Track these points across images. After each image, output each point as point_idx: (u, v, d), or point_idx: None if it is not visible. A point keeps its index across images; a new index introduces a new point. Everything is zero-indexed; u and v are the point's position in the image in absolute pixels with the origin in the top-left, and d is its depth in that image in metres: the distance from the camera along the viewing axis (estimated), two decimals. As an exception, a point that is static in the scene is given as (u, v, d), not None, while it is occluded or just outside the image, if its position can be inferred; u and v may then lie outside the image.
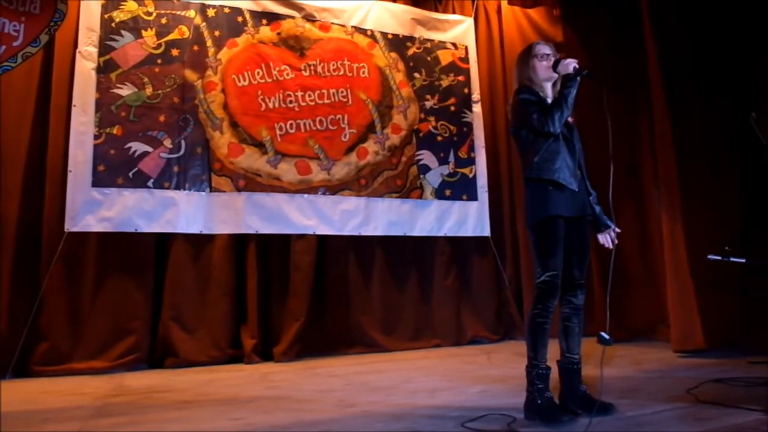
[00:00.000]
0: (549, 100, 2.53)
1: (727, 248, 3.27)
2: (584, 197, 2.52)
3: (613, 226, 2.58)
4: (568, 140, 2.49)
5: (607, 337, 2.43)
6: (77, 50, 4.22)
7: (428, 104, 5.35)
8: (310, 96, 4.87)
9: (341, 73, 5.03)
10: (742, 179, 4.15)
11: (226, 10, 4.74)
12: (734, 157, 4.17)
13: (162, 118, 4.39)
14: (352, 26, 5.18)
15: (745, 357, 3.59)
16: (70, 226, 4.04)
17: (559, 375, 2.49)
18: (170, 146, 4.38)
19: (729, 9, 4.21)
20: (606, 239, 2.60)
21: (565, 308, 2.50)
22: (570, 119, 2.52)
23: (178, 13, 4.57)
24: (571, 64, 2.43)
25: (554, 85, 2.56)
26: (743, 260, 3.34)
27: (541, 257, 2.41)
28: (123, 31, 4.38)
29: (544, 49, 2.56)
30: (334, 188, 4.84)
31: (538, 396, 2.34)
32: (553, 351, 2.44)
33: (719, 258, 3.29)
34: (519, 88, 2.55)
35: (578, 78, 2.42)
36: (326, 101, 4.93)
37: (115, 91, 4.29)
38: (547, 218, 2.40)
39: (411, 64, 5.35)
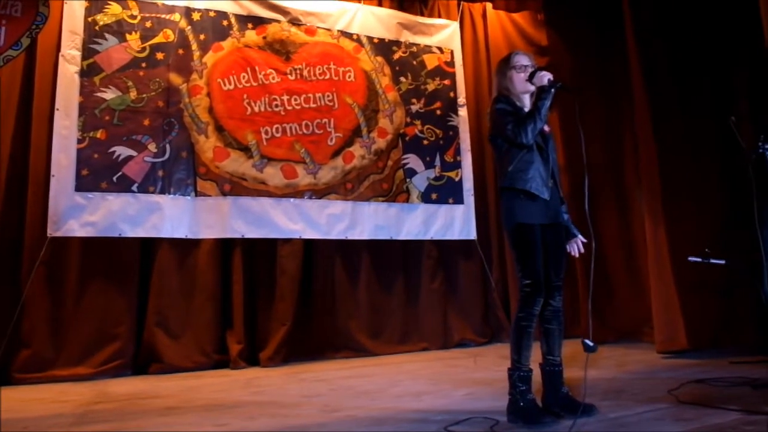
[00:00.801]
0: (526, 110, 2.56)
1: (707, 250, 3.31)
2: (557, 206, 2.56)
3: (579, 236, 2.65)
4: (543, 150, 2.54)
5: (591, 344, 2.44)
6: (60, 53, 4.18)
7: (414, 108, 5.37)
8: (296, 100, 4.87)
9: (327, 77, 5.04)
10: (723, 182, 4.21)
11: (212, 13, 4.72)
12: (715, 160, 4.22)
13: (146, 122, 4.37)
14: (338, 30, 5.18)
15: (727, 357, 3.64)
16: (52, 230, 4.00)
17: (542, 377, 2.52)
18: (155, 150, 4.36)
19: (709, 15, 4.27)
20: (573, 248, 2.65)
21: (544, 311, 2.52)
22: (546, 129, 2.57)
23: (163, 16, 4.55)
24: (545, 77, 2.47)
25: (532, 95, 2.59)
26: (723, 262, 3.37)
27: (521, 262, 2.46)
28: (107, 35, 4.35)
29: (522, 60, 2.59)
30: (320, 192, 4.83)
31: (521, 398, 2.36)
32: (535, 354, 2.46)
33: (699, 260, 3.33)
34: (497, 97, 2.59)
35: (552, 90, 2.46)
36: (312, 105, 4.92)
37: (99, 94, 4.26)
38: (521, 225, 2.45)
39: (397, 68, 5.37)
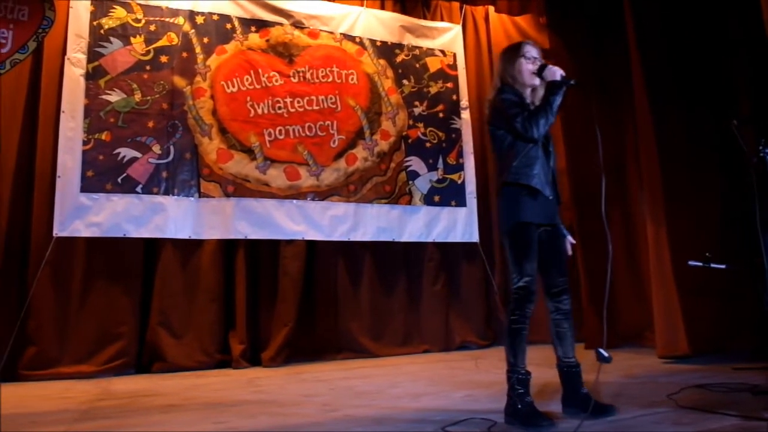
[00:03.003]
0: (528, 101, 2.50)
1: (707, 254, 3.30)
2: (555, 206, 2.53)
3: (569, 237, 2.61)
4: (545, 147, 2.50)
5: (606, 354, 2.39)
6: (66, 57, 4.24)
7: (417, 111, 5.39)
8: (299, 102, 4.90)
9: (330, 79, 5.07)
10: (725, 185, 4.20)
11: (215, 17, 4.77)
12: (717, 163, 4.21)
13: (151, 124, 4.41)
14: (340, 33, 5.22)
15: (729, 363, 3.61)
16: (58, 231, 4.04)
17: (561, 379, 2.50)
18: (159, 152, 4.40)
19: (711, 18, 4.27)
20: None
21: (555, 315, 2.50)
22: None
23: (167, 20, 4.60)
24: (557, 72, 2.42)
25: (533, 90, 2.54)
26: (723, 266, 3.37)
27: (516, 263, 2.41)
28: (112, 38, 4.40)
29: (533, 51, 2.52)
30: (323, 194, 4.86)
31: (519, 401, 2.35)
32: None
33: (700, 264, 3.32)
34: (501, 87, 2.51)
35: (564, 87, 2.41)
36: (315, 107, 4.96)
37: (104, 97, 4.31)
38: (520, 224, 2.41)
39: (400, 71, 5.40)
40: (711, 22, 4.29)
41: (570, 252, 2.61)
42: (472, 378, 3.61)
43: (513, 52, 2.55)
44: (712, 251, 3.49)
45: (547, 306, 2.55)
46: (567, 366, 2.48)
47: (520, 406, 2.34)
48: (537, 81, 2.50)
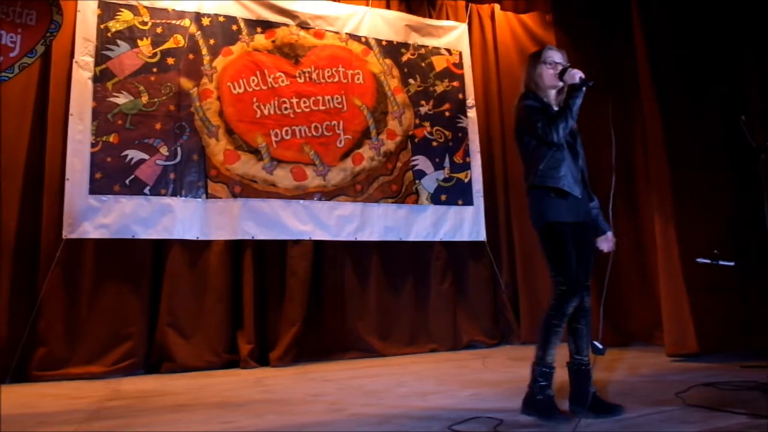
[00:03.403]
0: (553, 105, 2.54)
1: (715, 251, 3.28)
2: (586, 204, 2.55)
3: (610, 232, 2.61)
4: (572, 147, 2.52)
5: (600, 346, 2.42)
6: (74, 60, 4.28)
7: (423, 110, 5.39)
8: (305, 102, 4.92)
9: (336, 79, 5.08)
10: (734, 182, 4.17)
11: (221, 18, 4.79)
12: (725, 160, 4.18)
13: (158, 126, 4.44)
14: (346, 33, 5.23)
15: (738, 361, 3.59)
16: (67, 232, 4.08)
17: (569, 377, 2.49)
18: (166, 153, 4.43)
19: (719, 15, 4.24)
20: (603, 244, 2.62)
21: (573, 311, 2.47)
22: (573, 126, 2.53)
23: (173, 22, 4.62)
24: (577, 75, 2.45)
25: (559, 92, 2.57)
26: (732, 263, 3.34)
27: (554, 263, 2.43)
28: (119, 41, 4.43)
29: (554, 56, 2.56)
30: (329, 194, 4.87)
31: (539, 392, 2.35)
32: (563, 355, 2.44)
33: (708, 261, 3.30)
34: (525, 93, 2.56)
35: (584, 89, 2.43)
36: (321, 108, 4.97)
37: (112, 99, 4.34)
38: (551, 224, 2.43)
39: (405, 70, 5.40)
40: (720, 16, 4.26)
41: (613, 247, 2.62)
42: (480, 377, 3.61)
43: (535, 58, 2.60)
44: (720, 249, 3.46)
45: None
46: (578, 364, 2.47)
47: (539, 397, 2.35)
48: (559, 84, 2.53)
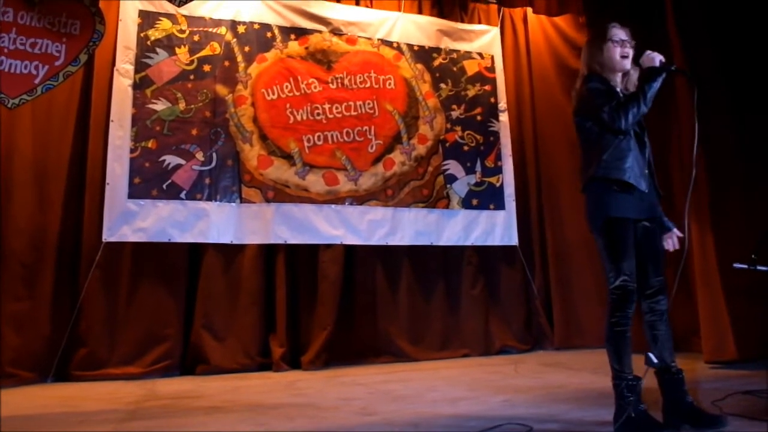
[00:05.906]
0: (619, 90, 2.35)
1: (753, 256, 3.18)
2: (653, 199, 2.36)
3: (675, 230, 2.44)
4: (639, 137, 2.33)
5: (655, 360, 2.23)
6: (115, 68, 4.42)
7: (454, 114, 5.38)
8: (337, 108, 4.96)
9: (368, 85, 5.12)
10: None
11: (256, 26, 4.88)
12: (764, 164, 4.06)
13: (194, 132, 4.55)
14: (378, 39, 5.26)
15: (780, 369, 3.49)
16: (107, 236, 4.21)
17: (660, 387, 2.31)
18: (202, 159, 4.53)
19: (756, 14, 4.12)
20: (668, 243, 2.44)
21: (649, 316, 2.34)
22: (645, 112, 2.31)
23: (210, 30, 4.73)
24: (657, 58, 2.25)
25: (626, 75, 2.38)
26: (773, 269, 3.23)
27: (611, 262, 2.25)
28: (158, 49, 4.55)
29: (620, 33, 2.34)
30: (361, 199, 4.91)
31: (631, 409, 2.14)
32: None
33: (745, 267, 3.20)
34: (588, 75, 2.35)
35: (664, 73, 2.24)
36: (353, 113, 5.01)
37: (150, 106, 4.47)
38: (613, 220, 2.25)
39: (437, 74, 5.40)
40: (756, 13, 4.13)
41: (678, 246, 2.44)
42: (511, 383, 3.58)
43: (598, 37, 2.40)
44: (760, 253, 3.36)
45: (641, 307, 2.37)
46: (667, 373, 2.28)
47: (633, 415, 2.13)
48: (628, 65, 2.34)
